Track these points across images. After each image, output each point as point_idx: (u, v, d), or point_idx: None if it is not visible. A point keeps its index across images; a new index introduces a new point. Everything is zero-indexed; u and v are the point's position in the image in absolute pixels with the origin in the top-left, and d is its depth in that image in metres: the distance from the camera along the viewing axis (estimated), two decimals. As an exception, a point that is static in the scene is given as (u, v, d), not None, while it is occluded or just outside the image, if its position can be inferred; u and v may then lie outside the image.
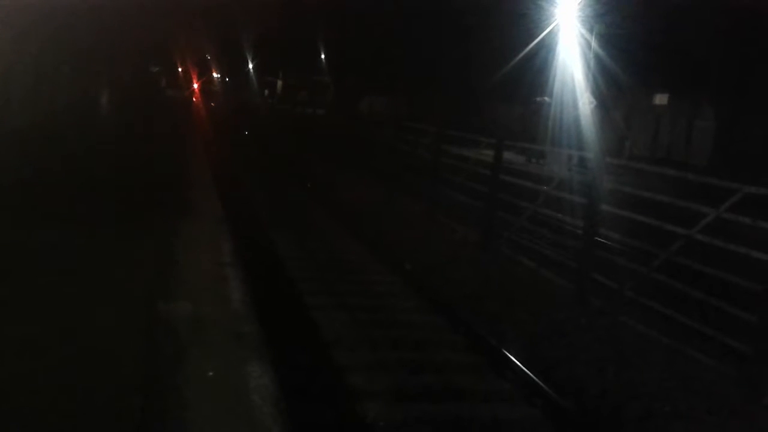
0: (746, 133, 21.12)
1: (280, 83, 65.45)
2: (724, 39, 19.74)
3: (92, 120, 21.92)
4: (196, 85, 72.11)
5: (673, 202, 7.41)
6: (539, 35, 19.38)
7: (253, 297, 7.50)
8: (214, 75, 78.12)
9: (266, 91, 64.52)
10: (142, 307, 6.55)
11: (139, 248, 8.52)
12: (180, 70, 72.81)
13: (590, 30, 19.86)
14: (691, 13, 18.90)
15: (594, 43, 20.19)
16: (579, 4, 17.62)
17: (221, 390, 5.13)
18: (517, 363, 6.67)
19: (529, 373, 6.45)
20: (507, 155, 12.90)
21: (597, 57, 20.45)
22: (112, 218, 9.76)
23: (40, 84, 17.59)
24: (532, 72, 22.41)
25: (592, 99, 21.54)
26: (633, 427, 5.64)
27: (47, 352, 5.32)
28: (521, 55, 21.08)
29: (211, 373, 5.38)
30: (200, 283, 7.65)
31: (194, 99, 66.33)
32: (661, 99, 28.08)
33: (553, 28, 18.91)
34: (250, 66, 57.81)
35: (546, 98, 21.41)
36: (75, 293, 6.58)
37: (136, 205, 11.00)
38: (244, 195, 16.22)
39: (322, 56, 41.52)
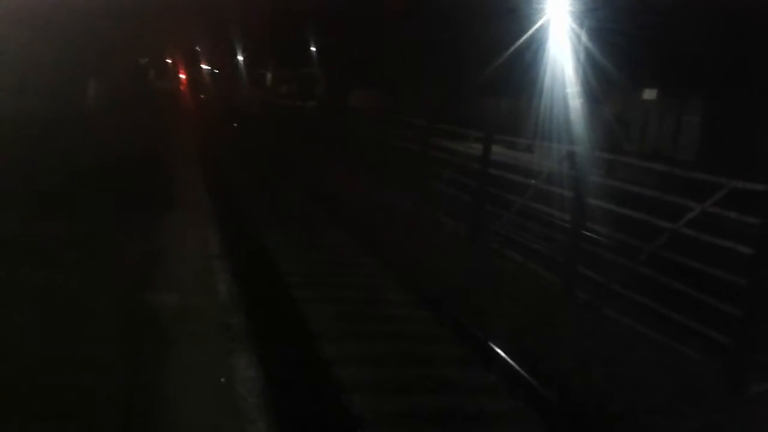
0: (733, 129, 21.25)
1: (269, 76, 65.16)
2: (713, 35, 19.82)
3: (78, 111, 21.78)
4: (183, 76, 71.93)
5: (660, 197, 7.46)
6: (530, 30, 19.38)
7: (240, 289, 7.50)
8: (204, 67, 77.79)
9: (251, 85, 64.23)
10: (130, 298, 6.54)
11: (128, 240, 8.51)
12: (169, 61, 72.50)
13: (581, 25, 19.86)
14: (681, 9, 18.96)
15: (584, 38, 20.20)
16: (570, -2, 17.63)
17: (207, 381, 5.13)
18: (504, 356, 6.69)
19: (515, 366, 6.47)
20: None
21: (587, 52, 20.47)
22: (98, 209, 9.70)
23: (24, 76, 17.46)
24: (523, 66, 22.42)
25: (581, 93, 21.55)
26: (618, 419, 5.68)
27: (37, 342, 5.31)
28: (512, 49, 21.07)
29: (197, 365, 5.38)
30: (189, 274, 7.65)
31: (181, 88, 66.38)
32: (649, 94, 28.18)
33: (543, 22, 18.91)
34: (240, 58, 57.57)
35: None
36: (63, 285, 6.56)
37: (125, 197, 10.95)
38: (232, 187, 16.16)
39: (312, 49, 41.41)
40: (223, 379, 5.16)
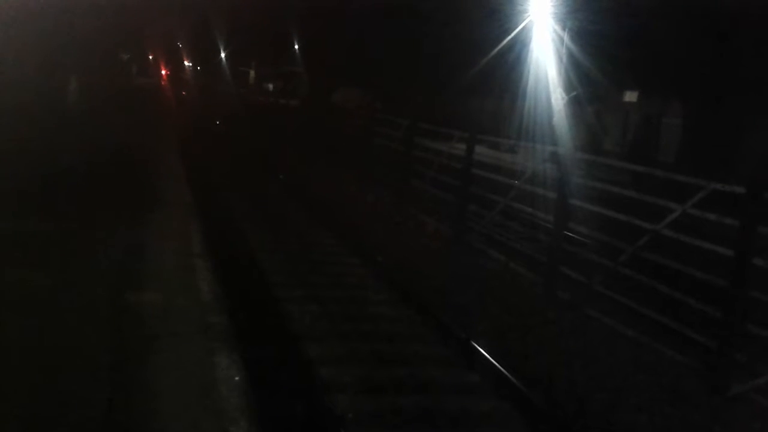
0: (713, 132, 21.45)
1: (252, 73, 64.84)
2: (694, 37, 20.00)
3: (60, 107, 21.58)
4: (164, 72, 71.52)
5: (641, 198, 7.51)
6: (513, 31, 19.47)
7: (222, 288, 7.44)
8: (186, 63, 77.21)
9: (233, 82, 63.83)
10: (111, 297, 6.47)
11: (111, 237, 8.43)
12: (151, 57, 71.96)
13: (563, 26, 19.99)
14: (662, 12, 19.12)
15: (566, 39, 20.33)
16: (552, 0, 17.74)
17: (188, 381, 5.08)
18: (486, 356, 6.70)
19: (497, 365, 6.48)
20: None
21: (569, 53, 20.60)
22: (80, 206, 9.60)
23: (5, 73, 17.25)
24: (507, 67, 22.51)
25: (563, 95, 21.69)
26: (599, 419, 5.71)
27: (16, 342, 5.24)
28: (495, 50, 21.15)
29: (178, 365, 5.33)
30: (170, 273, 7.58)
31: (162, 84, 66.16)
32: (630, 96, 28.40)
33: (526, 24, 19.02)
34: (222, 55, 57.23)
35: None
36: (45, 283, 6.48)
37: (108, 194, 10.84)
38: (215, 185, 16.03)
39: (296, 47, 41.25)
40: (204, 379, 5.12)
